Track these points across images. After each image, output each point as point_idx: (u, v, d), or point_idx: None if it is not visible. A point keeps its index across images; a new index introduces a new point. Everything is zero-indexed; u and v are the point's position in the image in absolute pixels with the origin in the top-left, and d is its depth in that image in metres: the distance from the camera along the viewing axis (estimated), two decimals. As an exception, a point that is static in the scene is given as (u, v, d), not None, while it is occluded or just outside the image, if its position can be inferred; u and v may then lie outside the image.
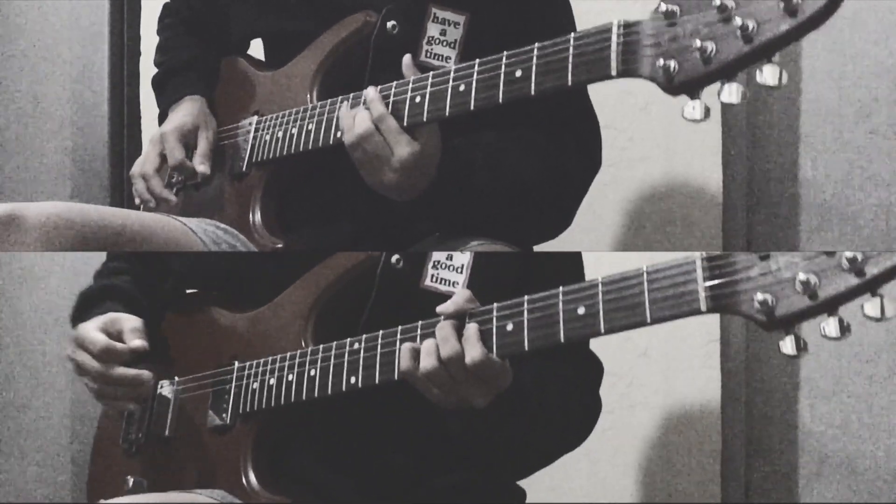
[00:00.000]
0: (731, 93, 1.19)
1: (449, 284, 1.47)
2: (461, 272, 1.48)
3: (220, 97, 1.78)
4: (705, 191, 2.16)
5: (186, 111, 1.73)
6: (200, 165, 1.69)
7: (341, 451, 1.48)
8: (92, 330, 1.53)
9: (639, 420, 2.14)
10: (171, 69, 1.82)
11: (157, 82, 1.84)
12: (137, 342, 1.51)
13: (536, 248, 1.69)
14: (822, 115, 2.13)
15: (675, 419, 2.13)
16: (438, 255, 1.48)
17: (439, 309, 1.33)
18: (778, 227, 2.17)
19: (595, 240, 2.16)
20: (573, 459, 1.58)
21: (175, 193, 1.75)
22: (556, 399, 1.46)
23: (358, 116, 1.46)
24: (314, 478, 1.49)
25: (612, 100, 2.15)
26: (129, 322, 1.54)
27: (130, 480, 1.60)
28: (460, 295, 1.33)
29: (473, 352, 1.29)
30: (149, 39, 2.47)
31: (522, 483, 1.60)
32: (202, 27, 1.83)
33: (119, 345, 1.51)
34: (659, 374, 2.13)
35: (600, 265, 2.11)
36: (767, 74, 1.17)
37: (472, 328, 1.30)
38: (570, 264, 1.59)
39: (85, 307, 1.63)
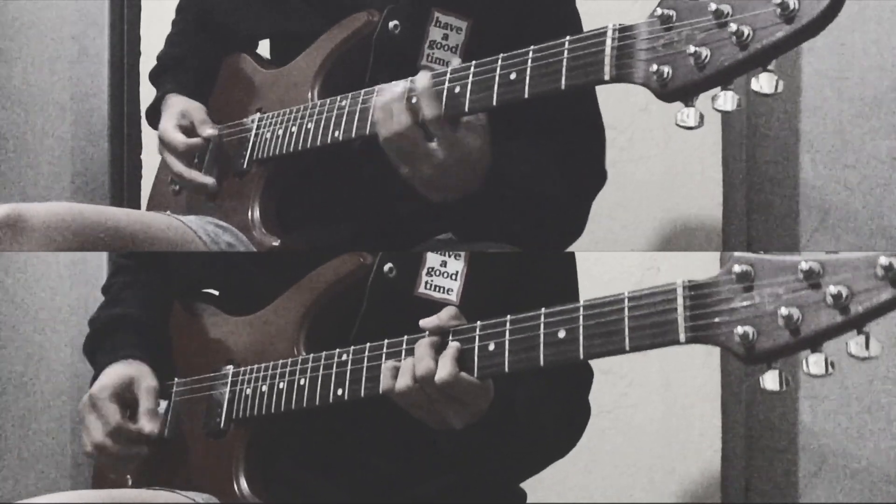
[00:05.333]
0: (726, 100, 1.16)
1: (443, 291, 1.47)
2: (455, 279, 1.47)
3: (224, 93, 1.79)
4: (705, 191, 2.16)
5: (171, 106, 1.75)
6: (206, 130, 1.69)
7: (332, 457, 1.48)
8: (106, 401, 1.52)
9: (639, 420, 2.14)
10: (163, 64, 1.85)
11: (151, 75, 1.87)
12: (150, 427, 1.51)
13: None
14: (822, 115, 2.13)
15: (675, 419, 2.13)
16: (433, 262, 1.47)
17: (422, 323, 1.32)
18: (778, 227, 2.17)
19: (595, 240, 2.16)
20: (573, 459, 1.58)
21: (179, 192, 1.77)
22: (546, 413, 1.45)
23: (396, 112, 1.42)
24: (305, 484, 1.49)
25: (612, 100, 2.14)
26: (147, 396, 1.54)
27: (130, 480, 1.60)
28: (445, 312, 1.32)
29: (442, 371, 1.27)
30: (149, 38, 2.48)
31: (521, 484, 1.60)
32: (211, 25, 1.84)
33: (133, 427, 1.52)
34: (659, 374, 2.13)
35: (600, 265, 2.12)
36: (763, 82, 1.14)
37: (452, 347, 1.29)
38: (563, 264, 1.58)
39: (97, 337, 1.64)
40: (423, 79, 1.40)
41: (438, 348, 1.30)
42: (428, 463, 1.47)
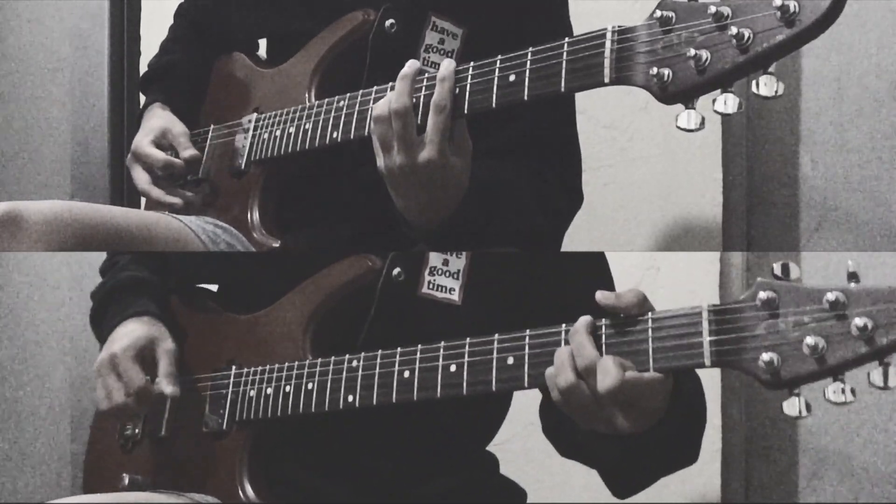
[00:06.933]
0: (727, 103, 1.16)
1: (446, 291, 1.46)
2: (458, 278, 1.47)
3: (219, 93, 1.79)
4: (705, 191, 2.16)
5: (151, 118, 1.75)
6: (187, 152, 1.69)
7: (335, 458, 1.48)
8: (130, 361, 1.51)
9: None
10: (154, 71, 1.85)
11: (142, 82, 1.88)
12: (171, 390, 1.51)
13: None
14: (822, 115, 2.13)
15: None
16: (434, 261, 1.47)
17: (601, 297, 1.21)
18: (778, 227, 2.17)
19: (595, 240, 2.16)
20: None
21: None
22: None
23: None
24: (308, 485, 1.48)
25: (612, 100, 2.15)
26: (167, 358, 1.53)
27: (126, 478, 1.59)
28: (630, 295, 1.20)
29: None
30: (148, 40, 2.48)
31: (521, 483, 1.60)
32: (208, 28, 1.84)
33: (154, 389, 1.51)
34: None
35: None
36: (763, 85, 1.13)
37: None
38: (594, 264, 1.56)
39: (105, 301, 1.62)
40: (447, 64, 1.39)
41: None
42: (430, 464, 1.47)
